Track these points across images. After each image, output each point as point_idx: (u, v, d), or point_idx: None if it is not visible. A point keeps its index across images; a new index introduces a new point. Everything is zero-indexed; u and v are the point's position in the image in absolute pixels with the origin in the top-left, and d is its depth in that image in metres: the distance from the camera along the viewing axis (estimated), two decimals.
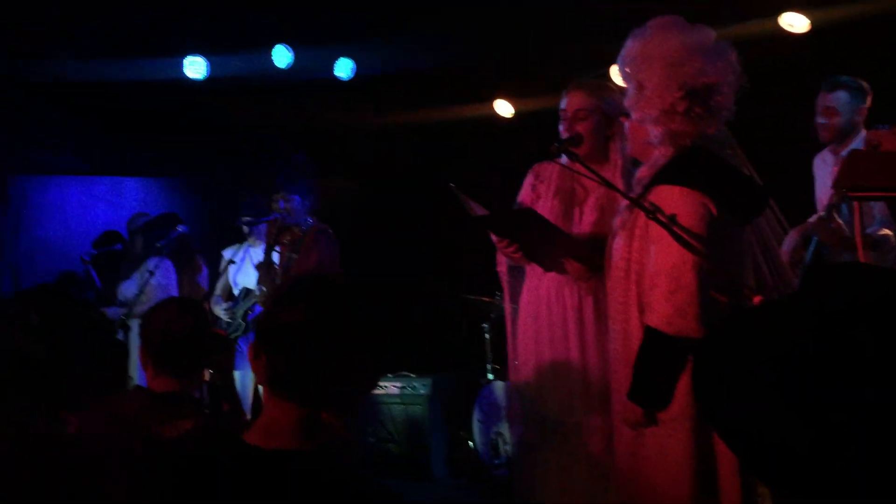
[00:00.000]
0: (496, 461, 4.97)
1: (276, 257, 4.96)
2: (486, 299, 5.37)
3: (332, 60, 6.15)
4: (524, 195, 3.25)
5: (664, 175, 2.51)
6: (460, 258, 5.96)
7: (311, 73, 6.13)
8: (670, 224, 2.34)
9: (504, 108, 6.38)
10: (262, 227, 5.20)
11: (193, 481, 1.41)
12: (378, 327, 1.54)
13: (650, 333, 2.42)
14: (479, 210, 3.07)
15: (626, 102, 2.62)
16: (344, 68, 6.20)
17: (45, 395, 2.27)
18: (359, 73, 6.21)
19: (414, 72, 6.26)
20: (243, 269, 5.18)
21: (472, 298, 5.50)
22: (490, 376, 5.28)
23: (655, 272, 2.44)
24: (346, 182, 6.15)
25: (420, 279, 6.26)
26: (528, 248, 3.08)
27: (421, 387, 5.37)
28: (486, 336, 5.36)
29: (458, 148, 6.51)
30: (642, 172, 2.65)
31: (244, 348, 4.79)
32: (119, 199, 6.64)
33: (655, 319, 2.41)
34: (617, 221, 2.69)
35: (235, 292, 5.25)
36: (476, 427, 5.14)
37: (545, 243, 3.06)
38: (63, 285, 5.78)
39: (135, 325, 5.02)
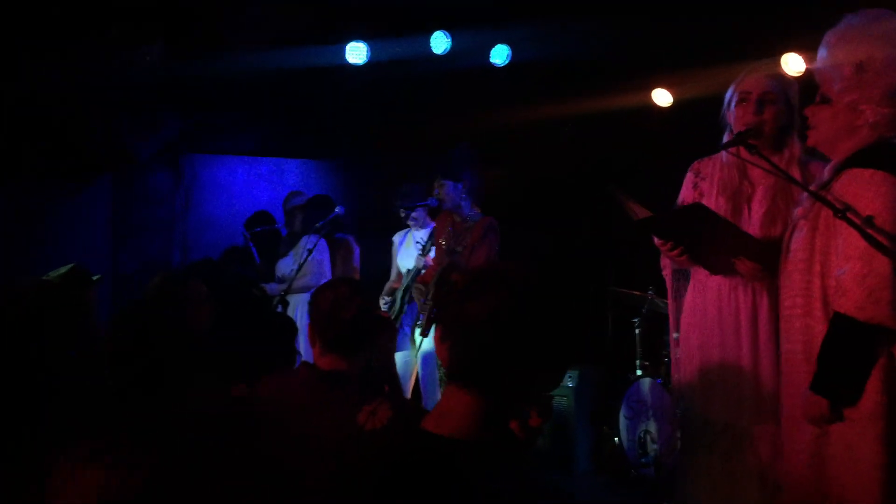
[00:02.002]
0: (643, 459, 4.85)
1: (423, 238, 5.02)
2: (638, 293, 5.25)
3: (488, 47, 6.14)
4: (685, 194, 3.13)
5: (857, 159, 2.37)
6: (613, 251, 5.83)
7: (468, 60, 6.14)
8: (863, 225, 2.19)
9: (662, 97, 6.20)
10: (421, 213, 5.28)
11: (393, 472, 1.43)
12: (563, 323, 1.50)
13: (839, 320, 2.28)
14: (640, 211, 2.97)
15: (837, 86, 2.48)
16: (500, 55, 6.17)
17: (217, 366, 2.37)
18: (514, 61, 6.17)
19: (569, 59, 6.16)
20: (404, 252, 5.28)
21: (623, 292, 5.38)
22: (639, 372, 5.15)
23: (846, 256, 2.30)
24: (499, 171, 6.13)
25: (570, 269, 6.18)
26: (693, 249, 2.96)
27: (568, 378, 5.31)
28: (637, 331, 5.24)
29: (613, 138, 6.36)
30: (833, 162, 2.51)
31: (406, 328, 4.88)
32: (280, 180, 6.90)
33: (846, 305, 2.27)
34: (798, 212, 2.55)
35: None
36: (623, 423, 5.04)
37: (713, 242, 2.92)
38: (227, 261, 6.09)
39: (292, 300, 5.22)
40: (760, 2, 5.29)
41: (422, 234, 5.25)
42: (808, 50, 5.34)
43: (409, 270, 5.17)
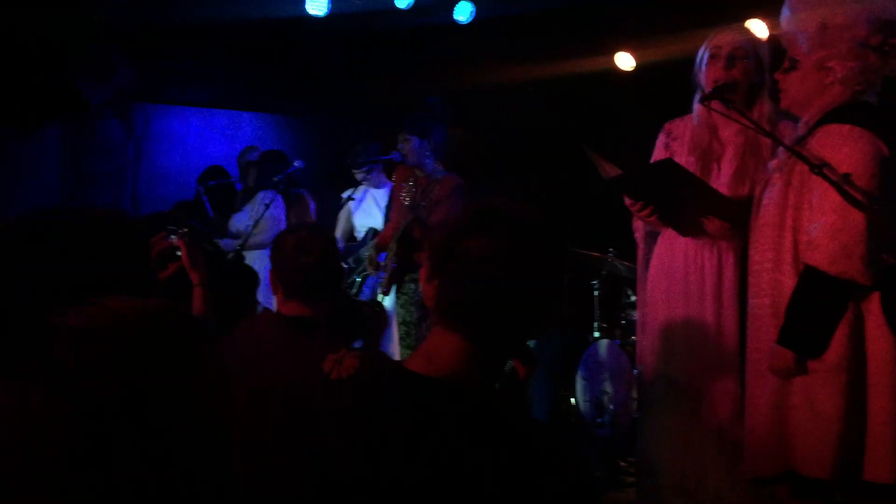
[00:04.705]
0: (599, 420, 4.89)
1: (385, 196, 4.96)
2: (596, 255, 5.25)
3: (452, 3, 6.04)
4: (657, 155, 3.13)
5: (834, 115, 2.37)
6: (571, 212, 5.83)
7: (432, 16, 6.04)
8: (840, 182, 2.20)
9: (625, 60, 6.18)
10: (376, 171, 5.20)
11: (373, 415, 1.37)
12: (563, 266, 1.44)
13: (810, 273, 2.29)
14: (612, 170, 2.94)
15: (803, 46, 2.47)
16: (463, 11, 6.08)
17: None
18: (478, 17, 6.09)
19: (533, 18, 6.10)
20: (364, 209, 5.20)
21: (581, 253, 5.38)
22: (597, 334, 5.18)
23: (821, 210, 2.30)
24: (461, 129, 6.07)
25: None
26: (664, 209, 2.95)
27: None
28: (595, 293, 5.25)
29: (577, 98, 6.34)
30: (807, 118, 2.51)
31: (366, 289, 4.82)
32: (235, 133, 6.74)
33: (818, 257, 2.28)
34: (773, 164, 2.55)
35: (358, 234, 5.27)
36: (579, 384, 5.07)
37: (684, 200, 2.92)
38: (178, 214, 5.94)
39: (247, 257, 5.12)
40: None
41: (381, 193, 5.17)
42: (771, 15, 5.38)
43: (368, 230, 5.09)
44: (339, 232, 5.38)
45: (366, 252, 4.97)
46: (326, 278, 2.41)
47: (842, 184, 2.21)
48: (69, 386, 0.82)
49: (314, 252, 2.38)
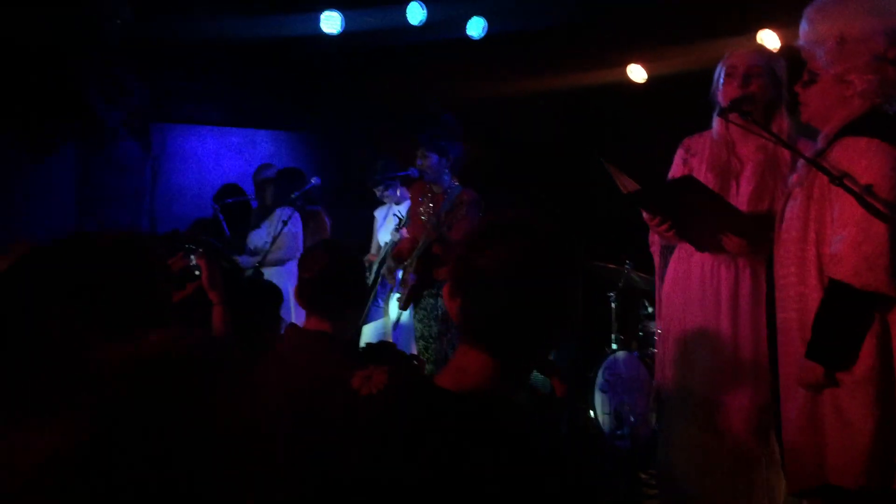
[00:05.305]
0: (618, 432, 4.88)
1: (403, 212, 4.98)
2: (613, 266, 5.25)
3: (464, 19, 6.08)
4: (675, 170, 3.14)
5: (851, 128, 2.38)
6: (587, 224, 5.84)
7: (444, 32, 6.07)
8: (862, 193, 2.20)
9: (638, 73, 6.19)
10: (394, 188, 5.23)
11: (402, 433, 1.37)
12: (578, 276, 1.45)
13: (835, 287, 2.29)
14: (630, 184, 2.94)
15: (822, 59, 2.48)
16: (476, 27, 6.11)
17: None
18: (490, 33, 6.12)
19: (544, 33, 6.13)
20: (387, 226, 5.23)
21: (598, 265, 5.38)
22: (614, 346, 5.17)
23: (842, 223, 2.31)
24: (475, 144, 6.09)
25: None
26: (681, 225, 2.95)
27: None
28: (613, 305, 5.25)
29: (590, 111, 6.35)
30: (826, 131, 2.52)
31: (380, 301, 4.84)
32: (251, 151, 6.79)
33: (842, 271, 2.28)
34: (793, 179, 2.56)
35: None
36: (598, 397, 5.06)
37: (702, 217, 2.93)
38: (196, 233, 5.97)
39: (267, 273, 5.15)
40: None
41: (401, 209, 5.20)
42: (782, 26, 5.39)
43: (385, 243, 5.12)
44: (373, 249, 5.42)
45: (377, 262, 5.01)
46: (332, 293, 2.42)
47: (863, 195, 2.21)
48: (118, 420, 0.82)
49: (312, 268, 2.42)
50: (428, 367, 4.24)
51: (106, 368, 0.87)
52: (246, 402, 0.92)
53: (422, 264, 4.35)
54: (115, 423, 0.83)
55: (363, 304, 2.55)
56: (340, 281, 2.43)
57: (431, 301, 4.36)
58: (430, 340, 4.37)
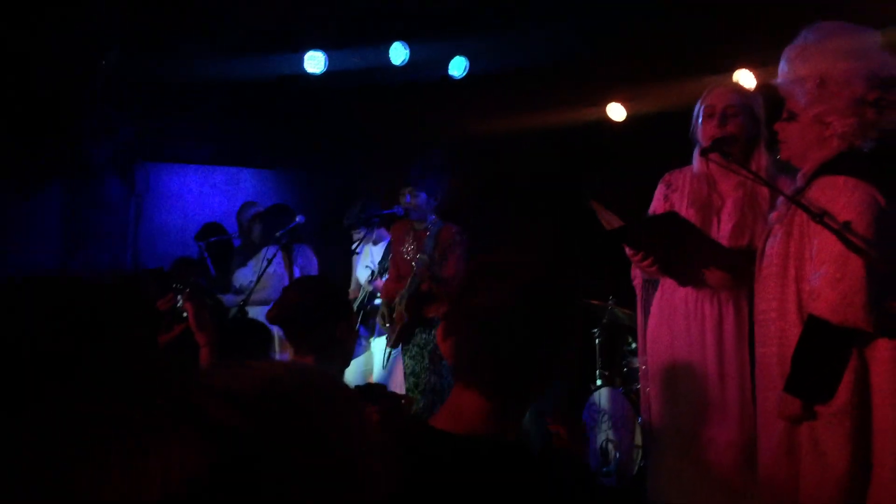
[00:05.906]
0: (604, 469, 4.88)
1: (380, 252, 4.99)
2: (597, 302, 5.28)
3: (446, 58, 6.16)
4: (657, 205, 3.19)
5: (829, 166, 2.44)
6: (571, 261, 5.87)
7: (426, 71, 6.15)
8: (841, 230, 2.25)
9: (617, 111, 6.29)
10: (374, 227, 5.25)
11: (412, 473, 1.38)
12: (571, 314, 1.47)
13: (813, 322, 2.33)
14: (615, 221, 2.99)
15: (802, 100, 2.55)
16: (458, 67, 6.20)
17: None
18: (472, 72, 6.20)
19: (525, 71, 6.22)
20: (360, 265, 5.24)
21: (582, 302, 5.41)
22: (599, 382, 5.19)
23: (820, 260, 2.36)
24: (458, 181, 6.15)
25: None
26: (664, 260, 3.00)
27: None
28: (597, 341, 5.28)
29: (570, 150, 6.43)
30: (805, 170, 2.58)
31: (362, 340, 4.84)
32: (235, 189, 6.80)
33: (820, 307, 2.33)
34: (773, 216, 2.62)
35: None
36: None
37: (685, 252, 2.98)
38: (179, 271, 5.95)
39: (251, 311, 5.14)
40: (712, 19, 5.41)
41: (377, 251, 5.19)
42: (758, 66, 5.51)
43: (360, 286, 5.14)
44: (353, 285, 5.42)
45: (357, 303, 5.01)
46: (294, 328, 2.45)
47: (843, 231, 2.26)
48: (228, 447, 0.81)
49: (273, 308, 2.50)
50: (417, 401, 4.24)
51: (216, 397, 0.84)
52: (356, 436, 0.90)
53: (412, 303, 4.35)
54: (237, 452, 0.81)
55: (344, 340, 2.54)
56: (281, 317, 2.48)
57: (424, 336, 4.36)
58: (420, 376, 4.36)
